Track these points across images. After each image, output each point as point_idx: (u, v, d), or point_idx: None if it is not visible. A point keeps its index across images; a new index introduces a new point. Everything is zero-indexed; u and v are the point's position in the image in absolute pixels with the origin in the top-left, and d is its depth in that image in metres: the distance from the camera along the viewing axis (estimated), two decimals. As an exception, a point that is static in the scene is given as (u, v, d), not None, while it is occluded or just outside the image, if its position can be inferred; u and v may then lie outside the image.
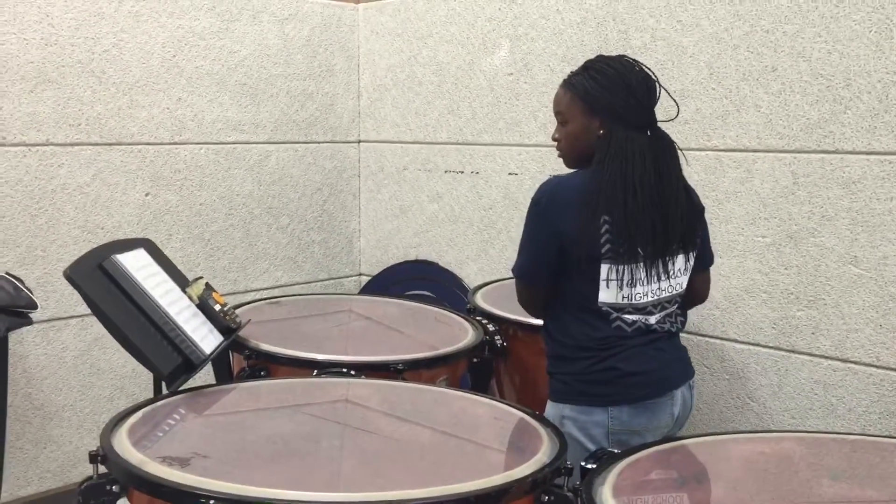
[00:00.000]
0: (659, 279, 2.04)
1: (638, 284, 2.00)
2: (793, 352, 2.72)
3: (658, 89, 2.06)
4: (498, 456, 1.79)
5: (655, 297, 2.05)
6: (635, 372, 2.02)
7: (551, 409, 2.08)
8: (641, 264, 2.00)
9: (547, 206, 2.01)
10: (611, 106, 2.01)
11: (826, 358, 2.66)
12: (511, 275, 2.17)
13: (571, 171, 2.11)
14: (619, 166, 1.97)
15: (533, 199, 2.04)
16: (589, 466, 1.64)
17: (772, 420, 2.77)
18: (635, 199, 1.96)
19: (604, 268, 1.99)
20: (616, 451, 1.72)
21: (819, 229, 2.64)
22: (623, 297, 2.01)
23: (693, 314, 2.93)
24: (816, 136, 2.62)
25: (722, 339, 2.88)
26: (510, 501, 1.53)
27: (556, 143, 2.13)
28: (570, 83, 2.07)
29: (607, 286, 2.00)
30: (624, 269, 1.98)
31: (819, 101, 2.61)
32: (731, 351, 2.86)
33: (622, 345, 2.02)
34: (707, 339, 2.91)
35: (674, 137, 2.11)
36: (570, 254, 2.00)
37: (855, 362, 2.60)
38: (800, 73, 2.64)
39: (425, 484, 1.48)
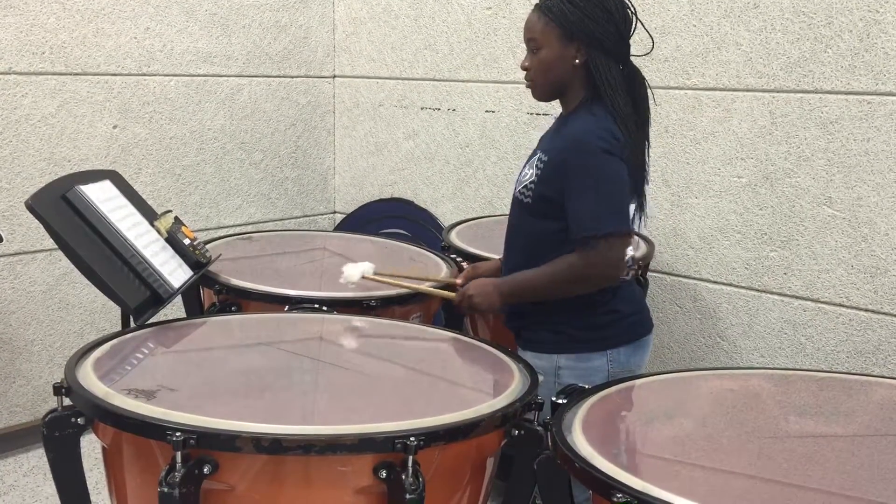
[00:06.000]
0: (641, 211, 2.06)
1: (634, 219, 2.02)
2: (764, 291, 2.74)
3: (634, 20, 2.00)
4: (469, 391, 1.79)
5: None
6: (632, 312, 2.03)
7: (541, 362, 1.98)
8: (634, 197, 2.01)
9: (614, 148, 1.89)
10: (590, 32, 1.92)
11: (797, 298, 2.68)
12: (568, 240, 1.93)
13: (565, 111, 2.04)
14: (625, 99, 1.93)
15: (595, 147, 1.88)
16: (559, 402, 1.64)
17: (741, 359, 2.81)
18: (638, 133, 1.96)
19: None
20: (586, 386, 1.72)
21: (795, 170, 2.63)
22: None
23: (667, 254, 2.95)
24: (796, 76, 2.60)
25: (695, 278, 2.89)
26: (480, 435, 1.53)
27: (525, 73, 2.02)
28: (546, 6, 1.96)
29: None
30: (637, 204, 2.00)
31: (800, 40, 2.58)
32: (703, 290, 2.88)
33: (619, 286, 2.00)
34: (680, 278, 2.92)
35: (653, 75, 2.08)
36: None
37: (825, 302, 2.62)
38: (781, 11, 2.60)
39: (397, 418, 1.48)
